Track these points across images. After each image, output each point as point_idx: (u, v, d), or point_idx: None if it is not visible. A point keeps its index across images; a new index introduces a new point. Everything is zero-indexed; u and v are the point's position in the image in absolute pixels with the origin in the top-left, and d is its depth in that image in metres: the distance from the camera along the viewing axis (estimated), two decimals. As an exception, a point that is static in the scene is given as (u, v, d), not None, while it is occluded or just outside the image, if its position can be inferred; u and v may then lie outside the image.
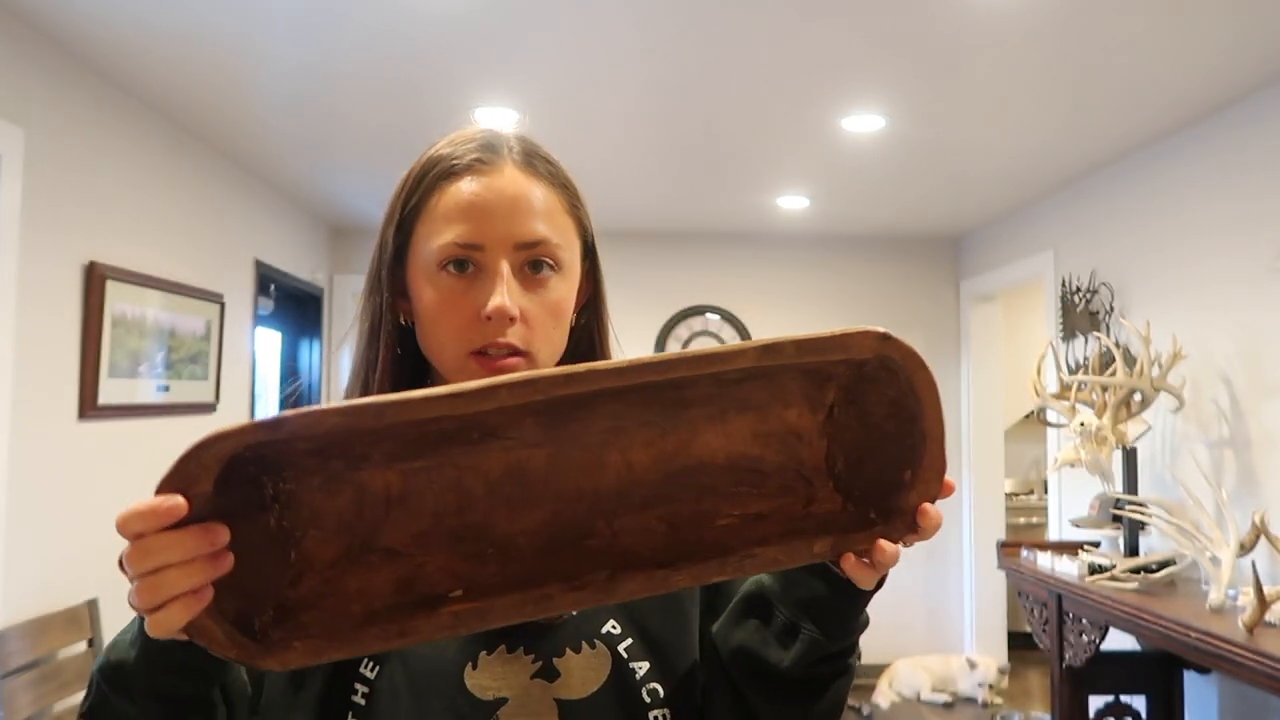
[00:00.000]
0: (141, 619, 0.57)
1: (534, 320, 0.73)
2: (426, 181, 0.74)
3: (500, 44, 2.46)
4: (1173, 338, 2.88)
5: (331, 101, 2.92)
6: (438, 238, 0.72)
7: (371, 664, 0.71)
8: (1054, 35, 2.36)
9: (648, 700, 0.74)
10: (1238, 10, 2.21)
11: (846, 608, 0.68)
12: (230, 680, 0.66)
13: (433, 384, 0.75)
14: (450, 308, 0.72)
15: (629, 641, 0.75)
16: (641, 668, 0.75)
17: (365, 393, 0.76)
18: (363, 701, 0.70)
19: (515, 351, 0.72)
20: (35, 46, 2.37)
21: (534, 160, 0.76)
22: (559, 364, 0.76)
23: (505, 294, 0.70)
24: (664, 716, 0.74)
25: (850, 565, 0.63)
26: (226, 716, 0.66)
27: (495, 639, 0.72)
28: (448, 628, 0.58)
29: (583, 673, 0.73)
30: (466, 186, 0.73)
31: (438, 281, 0.72)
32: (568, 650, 0.73)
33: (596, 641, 0.74)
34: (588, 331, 0.81)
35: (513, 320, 0.71)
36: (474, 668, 0.72)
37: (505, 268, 0.72)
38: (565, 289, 0.76)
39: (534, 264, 0.73)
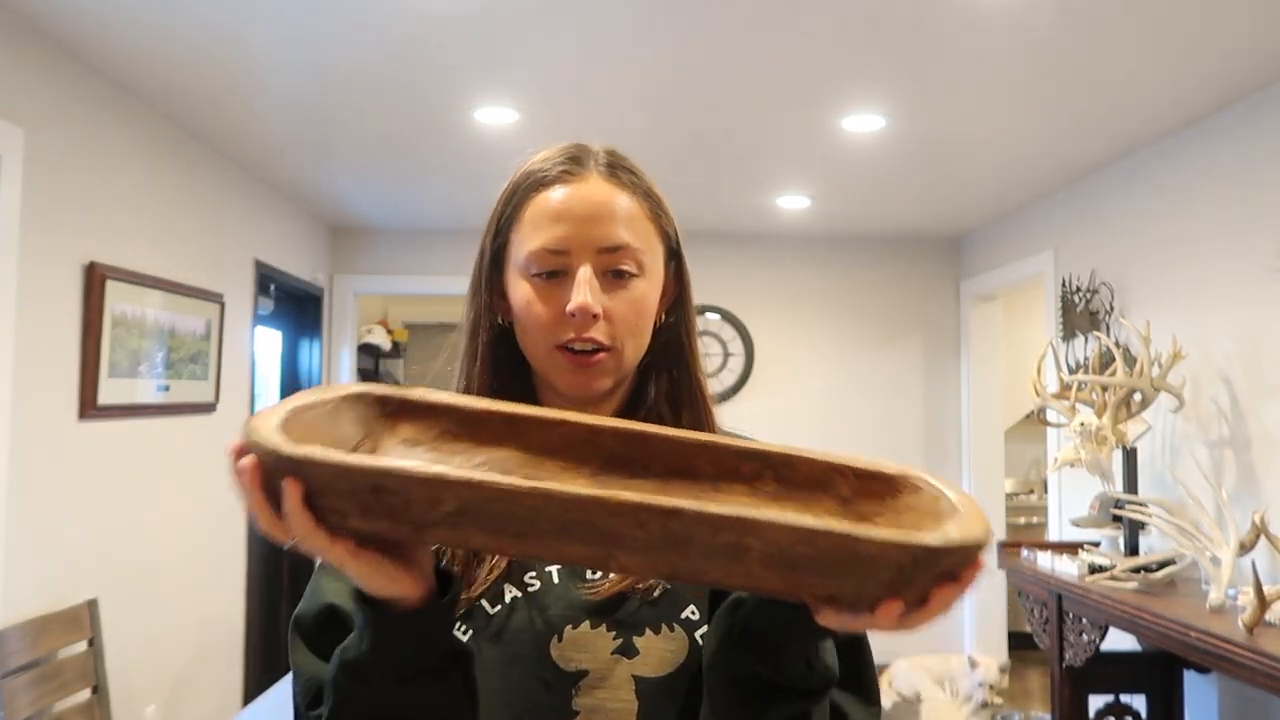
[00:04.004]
0: (359, 632, 0.64)
1: (617, 317, 0.78)
2: (520, 193, 0.81)
3: (500, 46, 2.46)
4: (1173, 338, 2.88)
5: (332, 102, 2.92)
6: (528, 244, 0.79)
7: (463, 627, 0.75)
8: (1054, 36, 2.36)
9: None
10: (1237, 11, 2.21)
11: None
12: (461, 649, 0.69)
13: (531, 379, 0.84)
14: (538, 306, 0.78)
15: (705, 628, 0.77)
16: None
17: (466, 386, 0.84)
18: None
19: (601, 348, 0.78)
20: (35, 46, 2.37)
21: (617, 170, 0.82)
22: (643, 360, 0.83)
23: (587, 293, 0.76)
24: None
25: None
26: (462, 682, 0.68)
27: (581, 615, 0.76)
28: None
29: (660, 653, 0.75)
30: (554, 195, 0.79)
31: (529, 283, 0.79)
32: (648, 630, 0.76)
33: (676, 625, 0.77)
34: (675, 329, 0.86)
35: (596, 317, 0.77)
36: (559, 640, 0.75)
37: (587, 270, 0.77)
38: (647, 289, 0.81)
39: (616, 269, 0.79)
